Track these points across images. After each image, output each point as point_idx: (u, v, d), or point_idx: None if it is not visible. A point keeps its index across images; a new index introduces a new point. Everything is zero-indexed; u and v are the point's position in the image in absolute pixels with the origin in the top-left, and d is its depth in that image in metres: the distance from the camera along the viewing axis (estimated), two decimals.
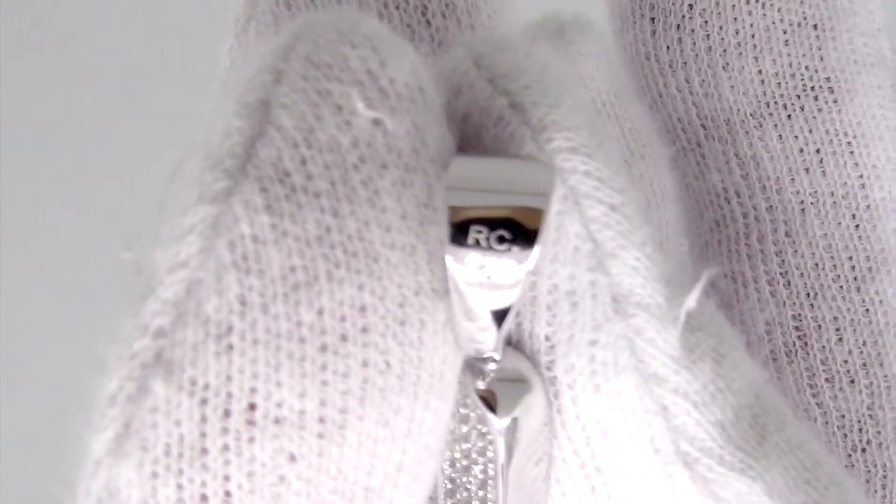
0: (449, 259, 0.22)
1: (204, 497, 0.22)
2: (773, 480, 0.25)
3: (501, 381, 0.24)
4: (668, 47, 0.32)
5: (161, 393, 0.21)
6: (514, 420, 0.24)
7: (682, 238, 0.32)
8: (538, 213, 0.22)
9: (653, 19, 0.32)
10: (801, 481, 0.25)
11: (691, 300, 0.24)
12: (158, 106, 0.64)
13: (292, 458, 0.22)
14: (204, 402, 0.21)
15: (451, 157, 0.23)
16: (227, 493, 0.22)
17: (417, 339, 0.22)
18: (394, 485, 0.23)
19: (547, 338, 0.23)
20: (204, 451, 0.22)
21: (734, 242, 0.33)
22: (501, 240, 0.22)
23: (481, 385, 0.24)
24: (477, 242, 0.22)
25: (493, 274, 0.22)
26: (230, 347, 0.21)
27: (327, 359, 0.22)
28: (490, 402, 0.24)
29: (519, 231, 0.22)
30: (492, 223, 0.22)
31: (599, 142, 0.23)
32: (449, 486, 0.25)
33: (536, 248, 0.22)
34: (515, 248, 0.22)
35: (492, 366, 0.24)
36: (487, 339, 0.23)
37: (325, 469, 0.22)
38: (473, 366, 0.24)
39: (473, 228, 0.22)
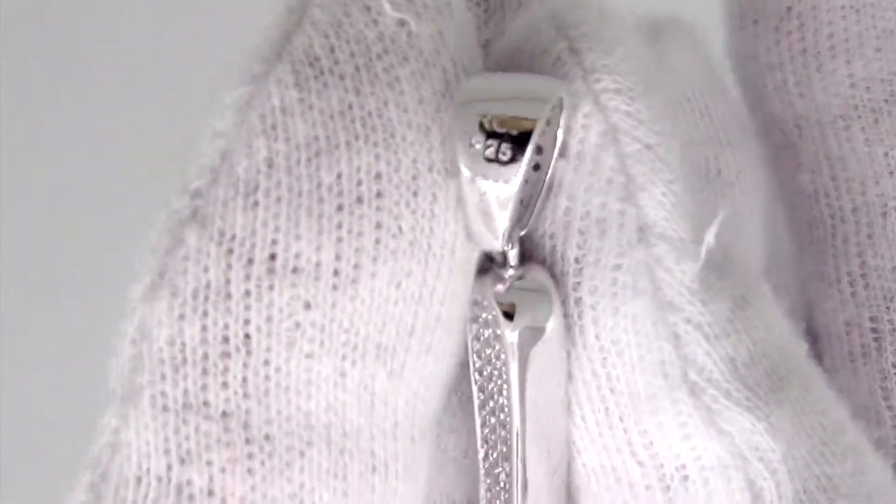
0: (459, 148, 0.24)
1: (225, 338, 0.24)
2: (780, 424, 0.26)
3: (521, 291, 0.26)
4: (767, 48, 0.34)
5: (193, 243, 0.24)
6: (530, 330, 0.26)
7: (771, 228, 0.33)
8: (531, 122, 0.24)
9: (755, 21, 0.34)
10: (818, 442, 0.26)
11: (710, 236, 0.25)
12: (158, 104, 0.64)
13: (307, 305, 0.24)
14: (230, 251, 0.24)
15: (477, 72, 0.25)
16: (247, 336, 0.24)
17: (429, 210, 0.24)
18: (406, 349, 0.25)
19: (577, 260, 0.25)
20: (228, 295, 0.24)
21: (822, 243, 0.34)
22: (499, 143, 0.24)
23: (501, 289, 0.26)
24: (479, 144, 0.24)
25: (492, 177, 0.24)
26: (256, 204, 0.24)
27: (343, 217, 0.24)
28: (508, 310, 0.26)
29: (514, 137, 0.24)
30: (491, 129, 0.24)
31: (646, 91, 0.25)
32: (481, 396, 0.27)
33: (527, 154, 0.24)
34: (509, 153, 0.24)
35: (510, 272, 0.26)
36: (494, 234, 0.25)
37: (338, 320, 0.24)
38: (496, 273, 0.26)
39: (478, 131, 0.24)
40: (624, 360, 0.25)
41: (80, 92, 0.65)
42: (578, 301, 0.25)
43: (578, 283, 0.25)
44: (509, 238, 0.25)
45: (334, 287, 0.24)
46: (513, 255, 0.26)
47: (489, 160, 0.24)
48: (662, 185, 0.25)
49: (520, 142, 0.24)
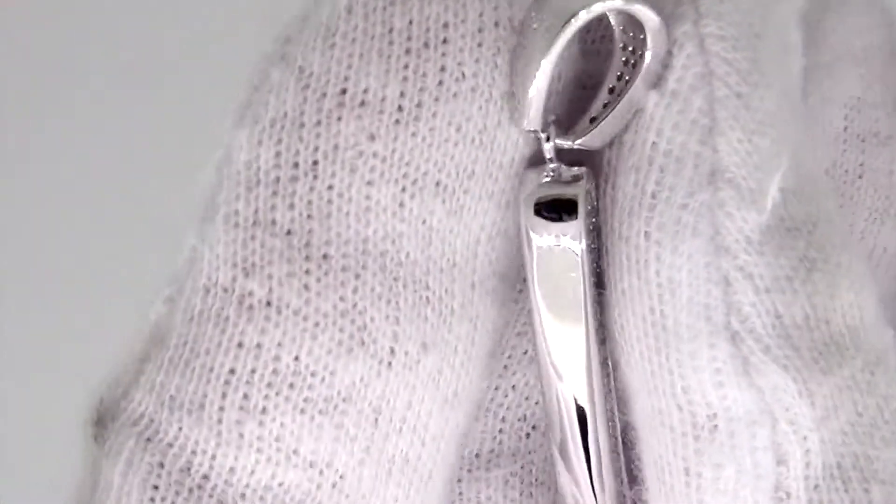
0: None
1: (296, 164, 0.26)
2: (819, 391, 0.26)
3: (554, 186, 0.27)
4: None
5: (276, 79, 0.26)
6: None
7: None
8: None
9: None
10: (868, 423, 0.26)
11: (774, 189, 0.26)
12: (157, 104, 0.64)
13: (371, 137, 0.26)
14: (307, 86, 0.26)
15: None
16: (315, 162, 0.26)
17: (493, 61, 0.26)
18: (465, 190, 0.27)
19: (653, 195, 0.26)
20: (301, 124, 0.26)
21: None
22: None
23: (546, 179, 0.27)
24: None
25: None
26: (333, 45, 0.26)
27: (410, 59, 0.26)
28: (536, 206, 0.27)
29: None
30: None
31: (752, 41, 0.26)
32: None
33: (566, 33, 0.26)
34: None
35: (550, 166, 0.27)
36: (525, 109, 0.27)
37: (399, 153, 0.26)
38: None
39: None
40: (676, 299, 0.26)
41: (79, 91, 0.66)
42: (647, 235, 0.26)
43: (650, 218, 0.26)
44: (543, 124, 0.27)
45: (397, 121, 0.26)
46: (548, 149, 0.27)
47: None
48: (742, 133, 0.26)
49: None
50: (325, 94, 0.26)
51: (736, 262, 0.26)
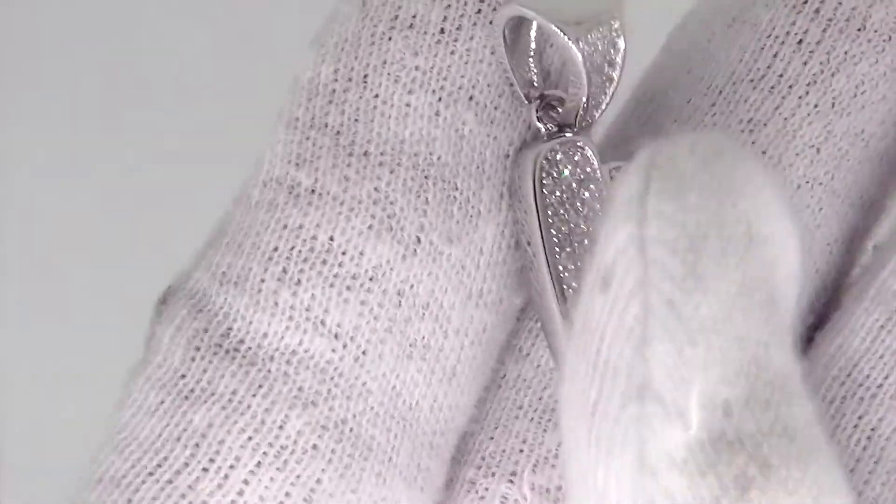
0: None
1: (349, 78, 0.30)
2: None
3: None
4: None
5: (343, 10, 0.31)
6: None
7: None
8: None
9: None
10: None
11: (694, 410, 0.25)
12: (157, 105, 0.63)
13: (415, 53, 0.30)
14: (366, 15, 0.30)
15: None
16: (365, 75, 0.30)
17: None
18: (495, 106, 0.30)
19: (594, 404, 0.25)
20: (358, 44, 0.30)
21: None
22: None
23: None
24: None
25: None
26: None
27: None
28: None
29: None
30: None
31: (696, 247, 0.25)
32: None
33: None
34: None
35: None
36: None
37: (437, 67, 0.30)
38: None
39: None
40: None
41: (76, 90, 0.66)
42: (588, 448, 0.25)
43: (590, 427, 0.25)
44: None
45: (438, 41, 0.30)
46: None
47: None
48: (670, 344, 0.25)
49: None
50: (380, 20, 0.30)
51: (660, 482, 0.25)
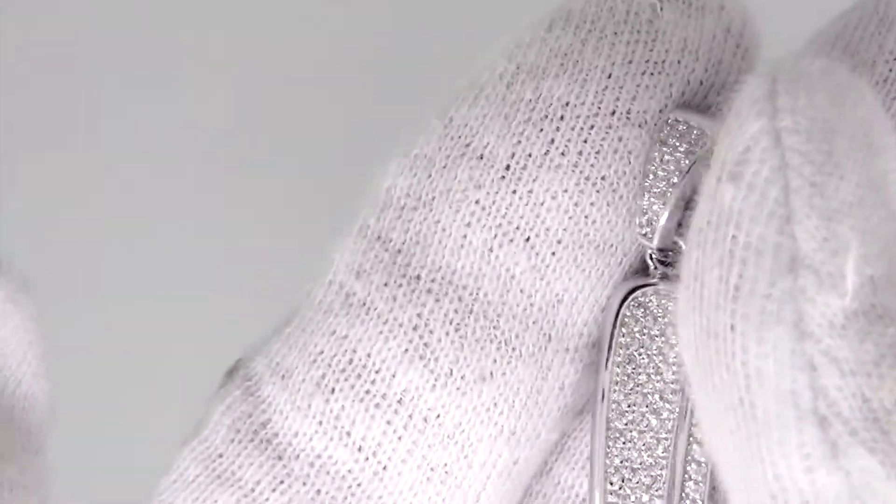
0: None
1: (420, 196, 0.31)
2: None
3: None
4: None
5: (431, 124, 0.31)
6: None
7: None
8: None
9: None
10: None
11: (851, 272, 0.27)
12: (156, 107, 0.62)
13: (478, 186, 0.30)
14: (447, 134, 0.31)
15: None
16: (433, 198, 0.31)
17: (599, 144, 0.30)
18: (552, 252, 0.30)
19: (736, 287, 0.27)
20: (433, 164, 0.31)
21: None
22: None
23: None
24: None
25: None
26: (476, 103, 0.31)
27: (527, 127, 0.30)
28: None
29: None
30: None
31: (828, 138, 0.27)
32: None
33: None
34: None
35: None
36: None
37: (497, 204, 0.30)
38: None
39: None
40: (763, 388, 0.27)
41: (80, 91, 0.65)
42: (733, 328, 0.27)
43: (735, 311, 0.27)
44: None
45: (503, 177, 0.30)
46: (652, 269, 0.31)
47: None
48: (818, 220, 0.27)
49: None
50: (455, 144, 0.31)
51: (820, 346, 0.26)
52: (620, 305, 0.31)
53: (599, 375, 0.31)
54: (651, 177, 0.30)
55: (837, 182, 0.27)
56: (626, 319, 0.31)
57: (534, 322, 0.30)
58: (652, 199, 0.30)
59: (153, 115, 0.61)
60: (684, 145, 0.30)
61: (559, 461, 0.32)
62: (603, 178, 0.30)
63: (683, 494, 0.31)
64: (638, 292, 0.31)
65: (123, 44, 0.63)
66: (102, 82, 0.63)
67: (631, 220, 0.30)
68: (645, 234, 0.30)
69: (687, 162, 0.30)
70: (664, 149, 0.30)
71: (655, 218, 0.30)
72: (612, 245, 0.30)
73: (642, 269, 0.31)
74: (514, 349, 0.30)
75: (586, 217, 0.30)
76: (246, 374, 0.32)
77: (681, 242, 0.31)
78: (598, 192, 0.30)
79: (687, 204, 0.30)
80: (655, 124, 0.30)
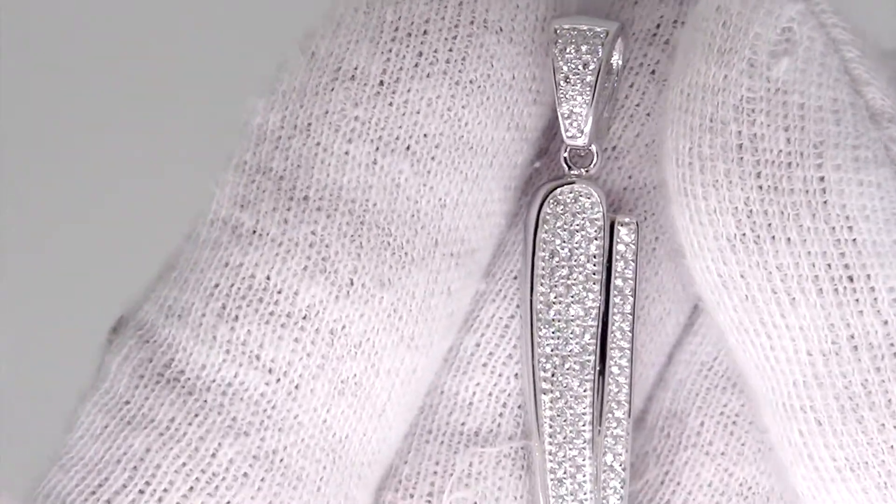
0: None
1: (295, 125, 0.31)
2: None
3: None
4: None
5: (293, 61, 0.32)
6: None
7: None
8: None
9: None
10: None
11: None
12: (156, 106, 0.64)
13: (355, 104, 0.31)
14: (313, 66, 0.32)
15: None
16: (309, 123, 0.31)
17: (464, 50, 0.31)
18: (431, 157, 0.31)
19: (816, 145, 0.30)
20: (303, 94, 0.32)
21: None
22: None
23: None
24: None
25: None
26: (337, 34, 0.32)
27: (394, 45, 0.31)
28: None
29: None
30: None
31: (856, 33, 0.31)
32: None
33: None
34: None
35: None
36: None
37: (376, 118, 0.31)
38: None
39: None
40: (870, 223, 0.30)
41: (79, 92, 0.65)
42: (821, 179, 0.30)
43: (820, 164, 0.30)
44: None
45: (377, 93, 0.31)
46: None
47: None
48: (882, 83, 0.31)
49: None
50: (324, 71, 0.32)
51: None
52: (541, 205, 0.33)
53: (526, 269, 0.33)
54: (563, 84, 0.32)
55: (877, 64, 0.31)
56: (546, 217, 0.33)
57: (422, 227, 0.32)
58: (572, 104, 0.32)
59: (153, 114, 0.62)
60: (584, 46, 0.32)
61: (441, 375, 0.34)
62: (471, 82, 0.32)
63: (610, 379, 0.33)
64: (556, 191, 0.33)
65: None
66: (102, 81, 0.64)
67: (499, 122, 0.32)
68: (572, 136, 0.32)
69: (595, 61, 0.32)
70: (567, 55, 0.32)
71: (581, 118, 0.32)
72: (484, 147, 0.32)
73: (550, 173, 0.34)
74: (406, 254, 0.31)
75: (459, 120, 0.32)
76: (137, 324, 0.32)
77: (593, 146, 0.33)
78: (468, 95, 0.32)
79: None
80: (515, 30, 0.32)
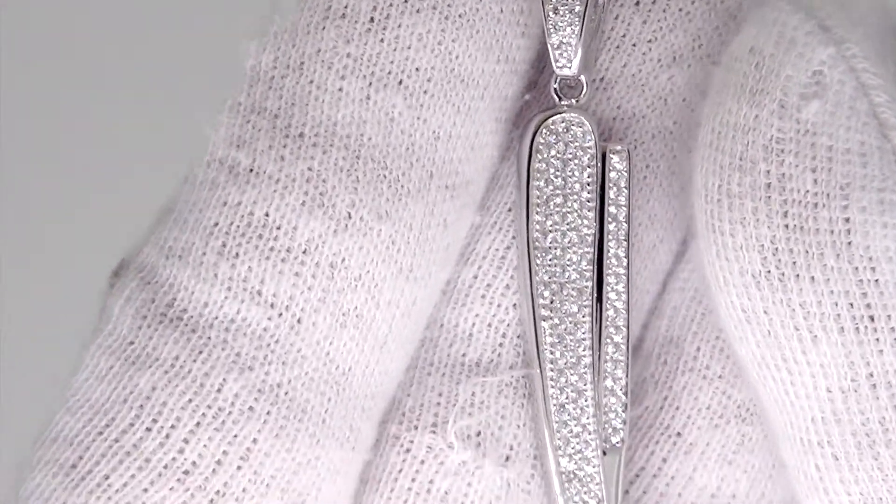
0: None
1: (287, 64, 0.32)
2: None
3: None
4: None
5: (283, 4, 0.33)
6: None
7: None
8: None
9: None
10: None
11: None
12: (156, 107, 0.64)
13: (347, 41, 0.32)
14: (303, 7, 0.32)
15: None
16: (301, 62, 0.32)
17: None
18: (424, 91, 0.32)
19: (843, 187, 0.30)
20: (295, 34, 0.32)
21: None
22: None
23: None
24: None
25: None
26: None
27: None
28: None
29: None
30: None
31: (885, 66, 0.32)
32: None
33: None
34: None
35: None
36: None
37: (368, 54, 0.32)
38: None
39: None
40: (893, 264, 0.30)
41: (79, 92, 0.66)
42: (846, 220, 0.30)
43: (846, 206, 0.30)
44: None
45: (368, 29, 0.32)
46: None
47: None
48: None
49: None
50: (315, 10, 0.32)
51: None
52: (534, 135, 0.33)
53: (521, 199, 0.33)
54: (552, 14, 0.33)
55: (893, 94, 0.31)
56: (539, 146, 0.33)
57: (417, 160, 0.32)
58: (562, 34, 0.33)
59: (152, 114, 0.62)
60: None
61: (441, 308, 0.34)
62: (460, 16, 0.32)
63: (608, 304, 0.33)
64: (548, 121, 0.33)
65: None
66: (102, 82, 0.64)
67: (489, 54, 0.33)
68: (562, 67, 0.33)
69: None
70: None
71: (571, 48, 0.33)
72: (475, 80, 0.32)
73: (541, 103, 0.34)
74: (402, 186, 0.32)
75: (450, 53, 0.32)
76: (138, 267, 0.32)
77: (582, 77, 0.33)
78: (457, 28, 0.32)
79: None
80: None
